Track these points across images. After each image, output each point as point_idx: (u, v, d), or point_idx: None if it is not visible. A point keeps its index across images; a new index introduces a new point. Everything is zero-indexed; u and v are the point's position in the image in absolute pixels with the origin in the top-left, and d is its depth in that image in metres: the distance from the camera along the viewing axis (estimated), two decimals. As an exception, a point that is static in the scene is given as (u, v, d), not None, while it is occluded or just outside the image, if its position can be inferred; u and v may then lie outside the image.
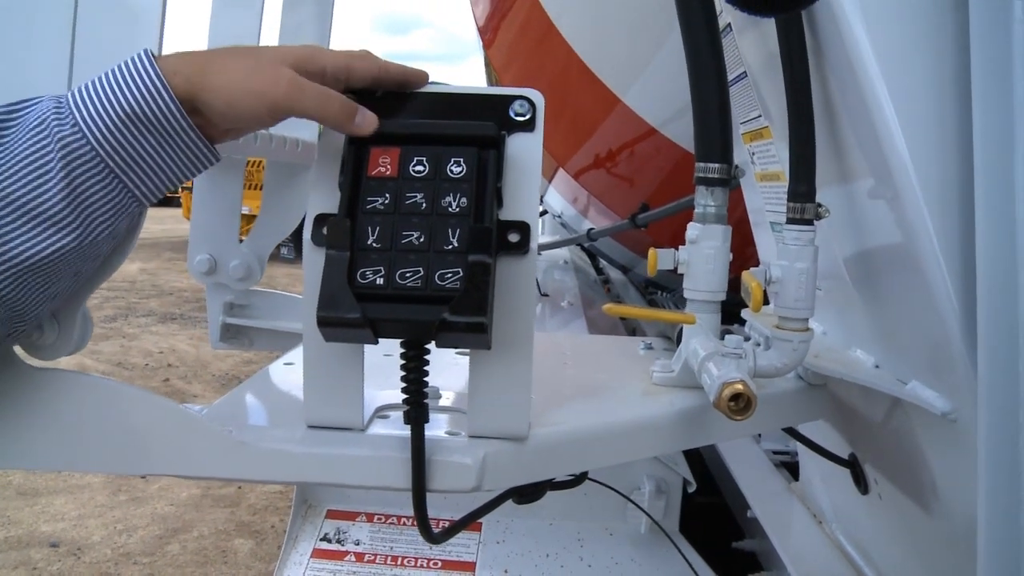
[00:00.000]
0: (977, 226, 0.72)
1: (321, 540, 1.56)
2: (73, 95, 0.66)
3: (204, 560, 3.46)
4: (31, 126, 0.65)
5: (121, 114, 0.65)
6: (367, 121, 0.72)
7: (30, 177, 0.64)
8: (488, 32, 3.43)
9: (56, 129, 0.64)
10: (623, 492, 1.51)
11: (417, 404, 0.71)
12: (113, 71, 0.67)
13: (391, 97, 0.75)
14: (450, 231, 0.67)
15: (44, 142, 0.64)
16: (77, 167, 0.65)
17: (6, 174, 0.64)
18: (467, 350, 0.76)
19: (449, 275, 0.65)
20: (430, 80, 0.78)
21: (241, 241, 1.51)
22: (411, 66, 0.77)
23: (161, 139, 0.68)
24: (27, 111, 0.66)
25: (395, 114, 0.75)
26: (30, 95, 0.71)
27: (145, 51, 0.68)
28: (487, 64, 3.72)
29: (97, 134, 0.65)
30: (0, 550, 3.46)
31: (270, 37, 1.38)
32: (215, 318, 1.61)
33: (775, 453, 1.96)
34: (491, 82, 3.82)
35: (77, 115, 0.65)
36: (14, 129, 0.65)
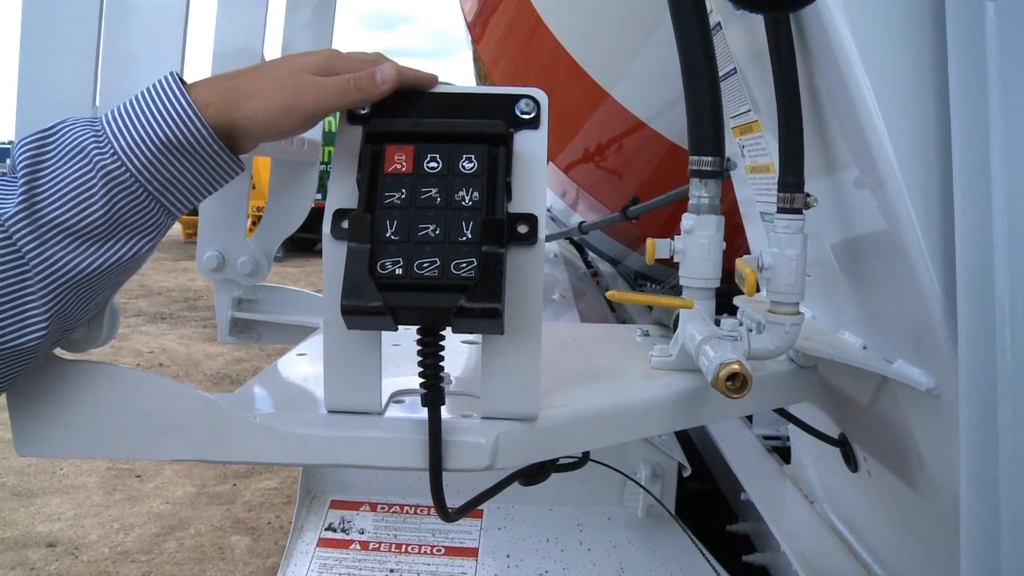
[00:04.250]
0: (956, 213, 0.77)
1: (326, 530, 1.58)
2: (109, 123, 0.70)
3: (201, 557, 3.48)
4: (71, 152, 0.69)
5: (158, 143, 0.69)
6: (385, 74, 0.77)
7: (74, 202, 0.68)
8: (477, 28, 3.46)
9: (97, 157, 0.69)
10: (625, 474, 1.55)
11: (434, 387, 0.75)
12: (145, 98, 0.71)
13: (404, 98, 0.79)
14: (464, 223, 0.71)
15: (86, 169, 0.68)
16: (118, 192, 0.69)
17: (52, 199, 0.68)
18: (475, 337, 0.79)
19: (464, 265, 0.69)
20: (439, 81, 0.82)
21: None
22: (421, 70, 0.81)
23: (195, 162, 0.72)
24: (61, 136, 0.70)
25: (408, 114, 0.79)
26: (58, 103, 0.75)
27: (173, 76, 0.72)
28: (476, 60, 3.74)
29: (136, 162, 0.69)
30: (-2, 550, 3.47)
31: (273, 37, 1.41)
32: (224, 313, 1.64)
33: (766, 438, 2.01)
34: (479, 78, 3.85)
35: (115, 144, 0.69)
36: (51, 155, 0.69)
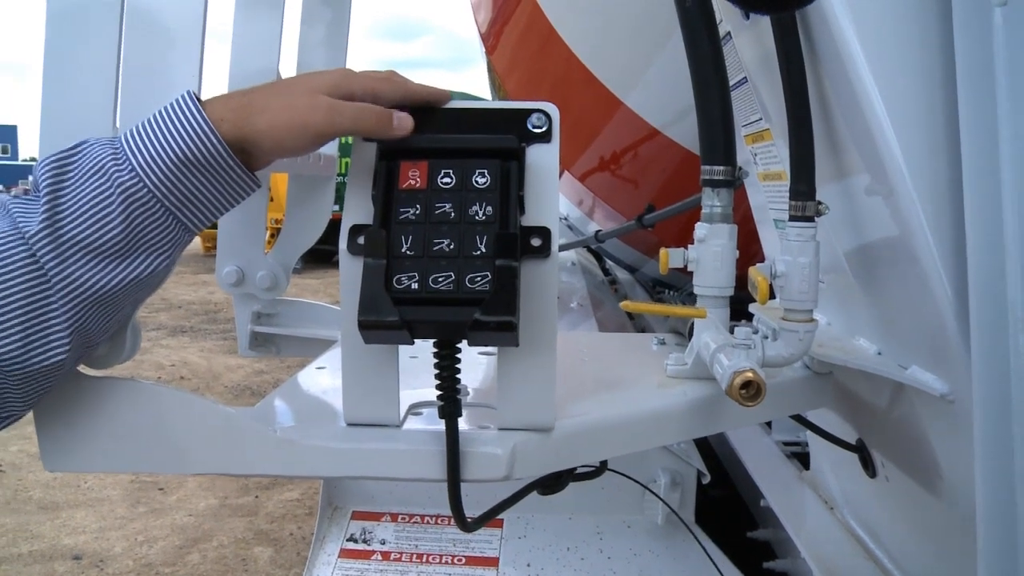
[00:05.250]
0: (966, 217, 0.77)
1: (348, 540, 1.59)
2: (127, 141, 0.72)
3: (224, 569, 3.50)
4: (90, 170, 0.70)
5: (175, 159, 0.71)
6: (403, 123, 0.78)
7: (94, 219, 0.69)
8: (490, 38, 3.47)
9: (115, 174, 0.70)
10: (641, 483, 1.55)
11: (451, 399, 0.76)
12: (162, 115, 0.72)
13: (417, 114, 0.81)
14: (478, 238, 0.72)
15: (105, 186, 0.70)
16: (136, 208, 0.70)
17: (71, 217, 0.69)
18: (493, 348, 0.80)
19: (479, 278, 0.70)
20: (456, 93, 0.83)
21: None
22: (433, 86, 0.82)
23: (211, 177, 0.73)
24: (81, 156, 0.72)
25: (421, 130, 0.80)
26: (80, 123, 0.77)
27: (189, 94, 0.73)
28: (490, 70, 3.76)
29: (153, 178, 0.70)
30: (25, 563, 3.50)
31: (289, 50, 1.43)
32: (243, 327, 1.65)
33: (786, 444, 2.00)
34: (494, 88, 3.86)
35: (133, 161, 0.70)
36: (73, 174, 0.71)
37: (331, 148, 1.55)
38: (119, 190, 0.70)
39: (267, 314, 1.70)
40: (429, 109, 0.81)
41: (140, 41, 0.87)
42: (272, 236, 1.68)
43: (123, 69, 0.84)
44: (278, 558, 3.60)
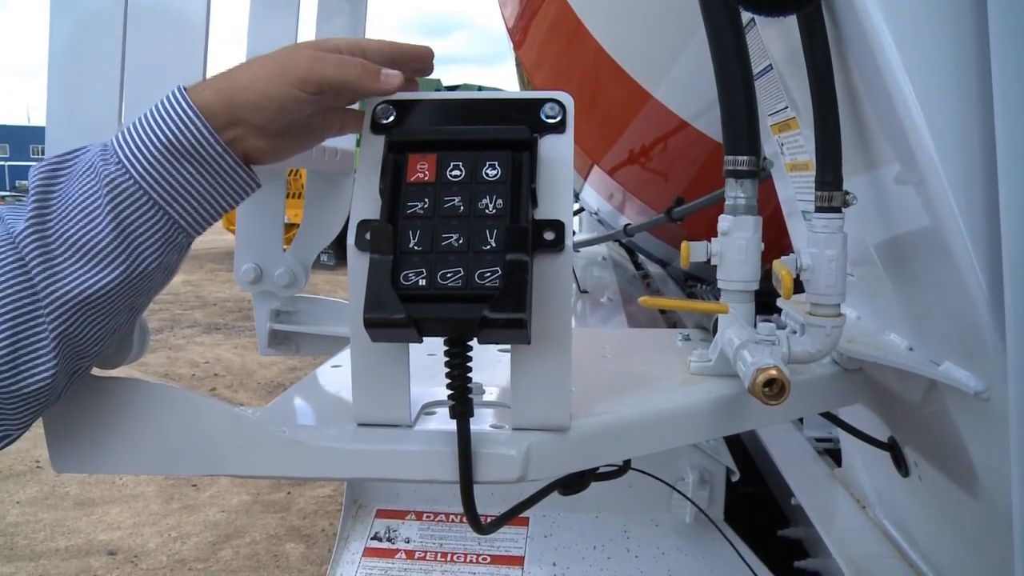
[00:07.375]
0: (1001, 208, 0.73)
1: (372, 539, 1.59)
2: (116, 137, 0.71)
3: (257, 565, 3.52)
4: (81, 171, 0.70)
5: (159, 145, 0.69)
6: (391, 79, 0.76)
7: (80, 215, 0.68)
8: (518, 33, 3.45)
9: (102, 168, 0.69)
10: (667, 483, 1.53)
11: (462, 399, 0.74)
12: (152, 109, 0.71)
13: (426, 105, 0.78)
14: (488, 232, 0.69)
15: (92, 182, 0.69)
16: (123, 201, 0.69)
17: (60, 215, 0.68)
18: (508, 346, 0.78)
19: (488, 274, 0.68)
20: (467, 84, 0.81)
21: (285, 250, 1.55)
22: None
23: (199, 167, 0.72)
24: (77, 159, 0.71)
25: (432, 121, 0.78)
26: (85, 121, 0.76)
27: (178, 87, 0.72)
28: (518, 66, 3.73)
29: (139, 167, 0.69)
30: (62, 558, 3.55)
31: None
32: (263, 325, 1.65)
33: (818, 440, 1.96)
34: (522, 82, 3.84)
35: (120, 153, 0.69)
36: (66, 175, 0.70)
37: (348, 143, 1.54)
38: (105, 182, 0.68)
39: (286, 311, 1.69)
40: (439, 101, 0.79)
41: (143, 43, 0.85)
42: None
43: (127, 70, 0.82)
44: (310, 554, 3.61)
